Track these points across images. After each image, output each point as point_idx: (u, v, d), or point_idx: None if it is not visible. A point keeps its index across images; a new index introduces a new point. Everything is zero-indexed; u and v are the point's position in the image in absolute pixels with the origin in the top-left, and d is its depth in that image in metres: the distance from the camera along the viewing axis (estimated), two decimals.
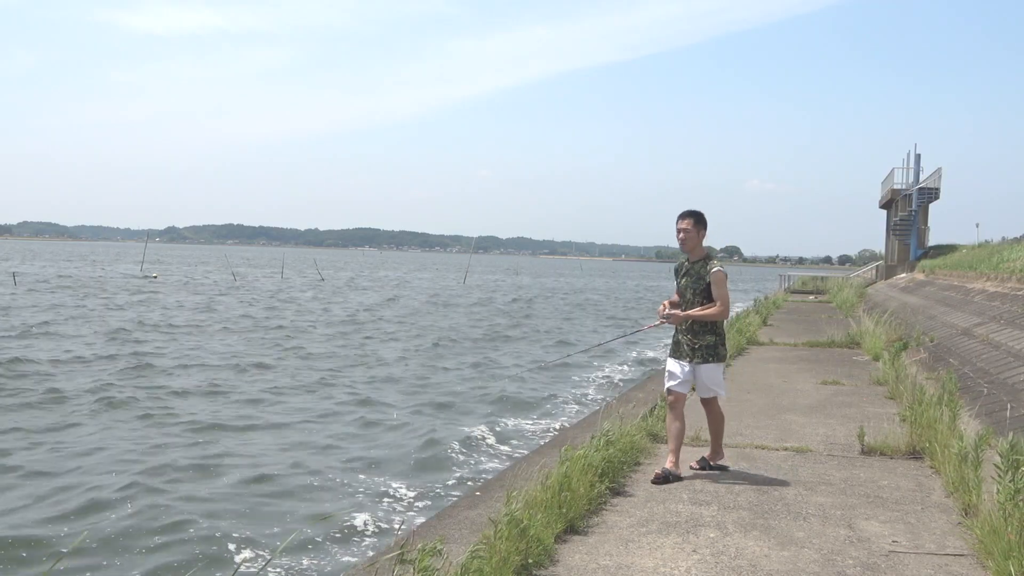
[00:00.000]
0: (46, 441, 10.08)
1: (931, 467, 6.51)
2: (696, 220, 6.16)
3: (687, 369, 6.12)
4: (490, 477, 8.58)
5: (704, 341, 6.08)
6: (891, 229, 40.60)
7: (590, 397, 14.60)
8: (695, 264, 6.16)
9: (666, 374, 6.30)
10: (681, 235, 6.14)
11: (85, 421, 11.26)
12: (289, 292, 44.69)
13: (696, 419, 8.16)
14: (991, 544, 4.30)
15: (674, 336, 6.29)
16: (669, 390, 6.21)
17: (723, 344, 6.16)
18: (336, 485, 8.60)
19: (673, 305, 6.28)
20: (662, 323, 6.25)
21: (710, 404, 6.32)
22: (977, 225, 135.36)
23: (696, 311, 6.04)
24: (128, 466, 8.98)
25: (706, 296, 6.06)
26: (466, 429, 11.25)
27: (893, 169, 41.26)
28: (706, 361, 6.09)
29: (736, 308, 34.89)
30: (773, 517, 5.27)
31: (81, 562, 6.40)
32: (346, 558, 6.58)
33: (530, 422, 12.12)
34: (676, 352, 6.23)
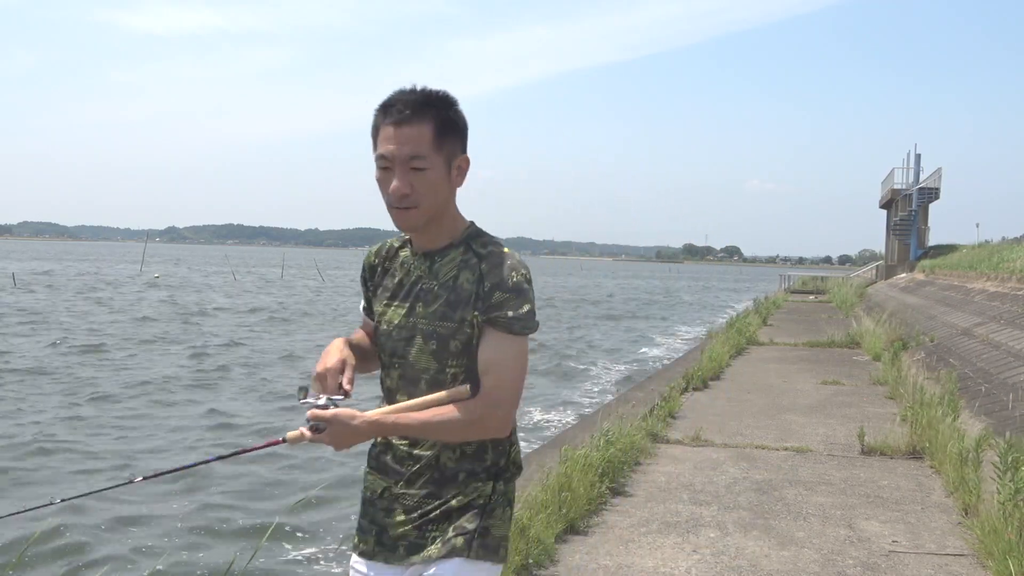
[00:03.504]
0: None
1: (931, 467, 6.51)
2: (446, 127, 1.93)
3: None
4: None
5: (451, 491, 1.98)
6: (891, 229, 40.62)
7: (590, 397, 14.60)
8: (439, 259, 2.00)
9: None
10: (401, 171, 1.90)
11: None
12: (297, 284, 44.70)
13: (699, 415, 8.16)
14: (991, 544, 4.31)
15: (371, 464, 2.09)
16: None
17: (509, 500, 2.04)
18: (332, 483, 8.59)
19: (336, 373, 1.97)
20: (304, 438, 1.87)
21: None
22: (977, 225, 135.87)
23: (411, 412, 1.92)
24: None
25: (463, 356, 1.94)
26: None
27: (893, 169, 41.33)
28: (455, 552, 1.93)
29: (736, 308, 34.90)
30: (773, 517, 5.27)
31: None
32: (344, 558, 6.57)
33: (530, 421, 12.12)
34: (371, 531, 2.05)
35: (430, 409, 1.91)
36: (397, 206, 1.93)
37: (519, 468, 2.08)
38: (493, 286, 1.92)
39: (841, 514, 5.35)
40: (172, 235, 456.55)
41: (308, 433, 1.87)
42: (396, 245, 2.14)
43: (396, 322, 2.02)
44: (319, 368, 1.96)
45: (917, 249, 37.50)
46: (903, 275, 33.70)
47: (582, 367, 18.40)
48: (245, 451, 2.11)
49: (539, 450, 9.16)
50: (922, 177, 38.33)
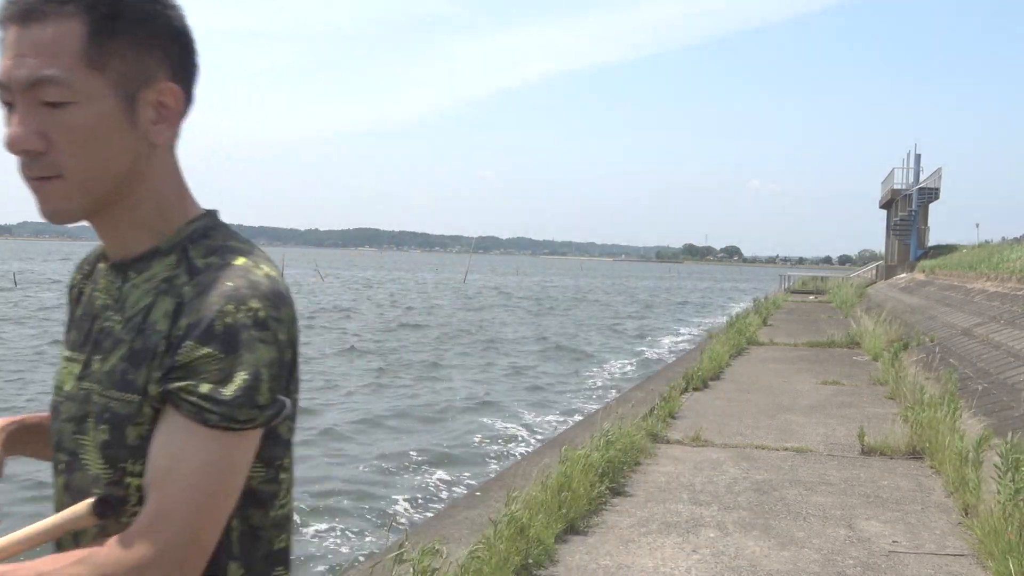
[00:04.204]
0: None
1: (931, 467, 6.51)
2: (117, 26, 1.00)
3: None
4: (490, 477, 8.58)
5: None
6: (891, 229, 40.63)
7: (589, 397, 14.59)
8: (135, 275, 1.08)
9: None
10: (24, 106, 1.00)
11: None
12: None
13: (699, 415, 8.17)
14: (991, 544, 4.30)
15: None
16: None
17: None
18: (333, 483, 8.60)
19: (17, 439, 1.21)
20: None
21: None
22: (977, 225, 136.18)
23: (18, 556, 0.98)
24: None
25: (135, 454, 1.01)
26: (465, 428, 11.25)
27: (893, 169, 41.32)
28: None
29: (736, 308, 34.86)
30: (773, 517, 5.27)
31: None
32: (344, 558, 6.58)
33: (529, 421, 12.13)
34: None
35: (34, 562, 0.97)
36: (27, 174, 1.03)
37: None
38: (188, 329, 0.99)
39: (841, 514, 5.35)
40: None
41: None
42: (95, 255, 1.22)
43: (67, 389, 1.11)
44: None
45: (917, 249, 37.51)
46: (903, 275, 33.71)
47: (581, 367, 18.39)
48: None
49: (539, 450, 9.16)
50: (922, 177, 38.34)
